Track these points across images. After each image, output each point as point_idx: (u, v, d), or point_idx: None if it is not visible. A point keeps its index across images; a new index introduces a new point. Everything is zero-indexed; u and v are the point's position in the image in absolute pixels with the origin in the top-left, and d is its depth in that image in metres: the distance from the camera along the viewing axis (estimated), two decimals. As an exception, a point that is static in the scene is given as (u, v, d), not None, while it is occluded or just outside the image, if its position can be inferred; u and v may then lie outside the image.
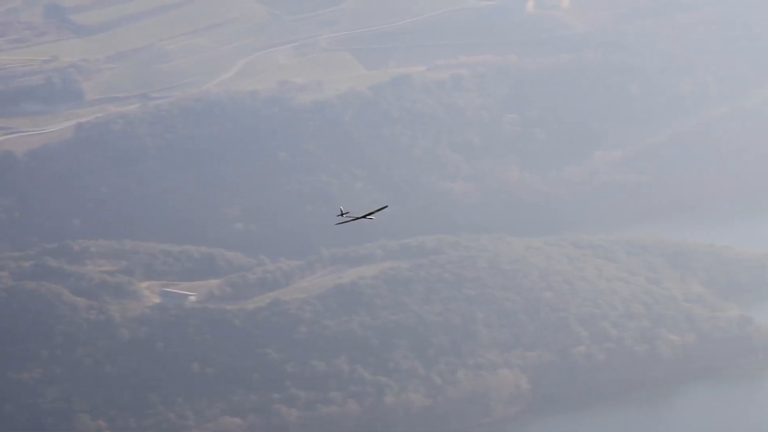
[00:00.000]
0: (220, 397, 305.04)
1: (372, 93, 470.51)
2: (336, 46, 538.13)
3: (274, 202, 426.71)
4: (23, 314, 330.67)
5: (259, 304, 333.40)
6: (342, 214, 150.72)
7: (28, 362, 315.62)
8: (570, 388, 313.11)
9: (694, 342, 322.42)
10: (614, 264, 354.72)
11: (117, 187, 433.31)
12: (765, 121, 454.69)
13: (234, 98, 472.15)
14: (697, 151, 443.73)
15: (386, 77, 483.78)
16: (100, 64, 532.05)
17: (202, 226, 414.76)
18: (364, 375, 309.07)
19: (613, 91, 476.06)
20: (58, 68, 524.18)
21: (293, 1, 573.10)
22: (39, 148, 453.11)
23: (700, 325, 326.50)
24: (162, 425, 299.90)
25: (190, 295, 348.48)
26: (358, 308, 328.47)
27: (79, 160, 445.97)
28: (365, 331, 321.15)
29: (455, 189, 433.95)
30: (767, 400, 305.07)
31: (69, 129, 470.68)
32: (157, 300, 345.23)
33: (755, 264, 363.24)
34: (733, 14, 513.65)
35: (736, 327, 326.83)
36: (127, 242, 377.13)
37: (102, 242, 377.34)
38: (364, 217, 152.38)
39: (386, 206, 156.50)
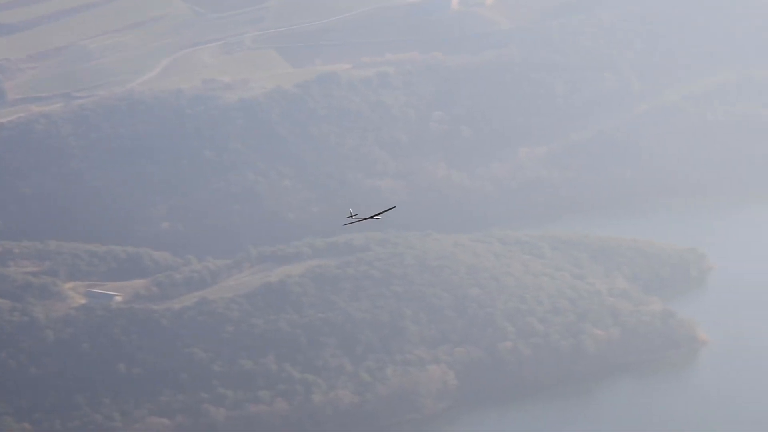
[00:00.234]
0: (147, 398, 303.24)
1: (299, 91, 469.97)
2: (262, 45, 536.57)
3: (201, 201, 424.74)
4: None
5: (185, 304, 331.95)
6: (351, 216, 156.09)
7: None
8: (497, 383, 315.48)
9: (618, 336, 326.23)
10: (540, 260, 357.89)
11: (40, 188, 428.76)
12: (686, 117, 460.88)
13: (159, 97, 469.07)
14: (620, 147, 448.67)
15: (313, 75, 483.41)
16: (21, 63, 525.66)
17: (127, 225, 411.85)
18: (293, 373, 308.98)
19: (538, 88, 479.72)
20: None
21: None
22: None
23: (624, 319, 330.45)
24: (88, 427, 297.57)
25: (116, 295, 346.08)
26: (286, 306, 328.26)
27: (1, 161, 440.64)
28: (293, 330, 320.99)
29: (383, 186, 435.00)
30: (690, 394, 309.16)
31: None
32: (82, 301, 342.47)
33: (677, 258, 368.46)
34: (654, 11, 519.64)
35: (660, 321, 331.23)
36: (51, 243, 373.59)
37: (25, 243, 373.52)
38: (371, 217, 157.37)
39: (394, 207, 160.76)
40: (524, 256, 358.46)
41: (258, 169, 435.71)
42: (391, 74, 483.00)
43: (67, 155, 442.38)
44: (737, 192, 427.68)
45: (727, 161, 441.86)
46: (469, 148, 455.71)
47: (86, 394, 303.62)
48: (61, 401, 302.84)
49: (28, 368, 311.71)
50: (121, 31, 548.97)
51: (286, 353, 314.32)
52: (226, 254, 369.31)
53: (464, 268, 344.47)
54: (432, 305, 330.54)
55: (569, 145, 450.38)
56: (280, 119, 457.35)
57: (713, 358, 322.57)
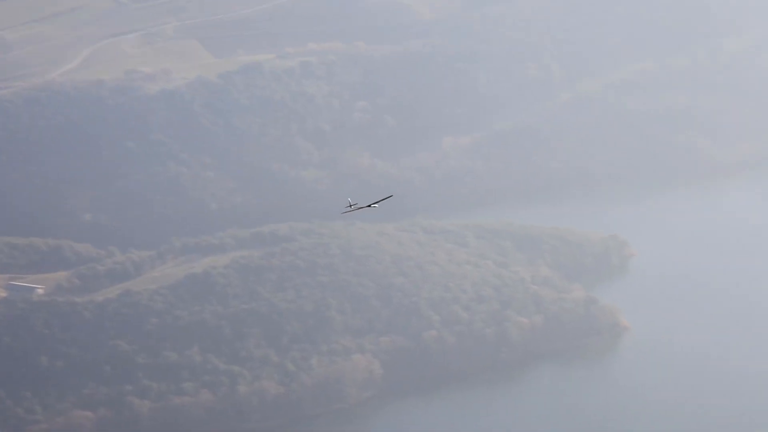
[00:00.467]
0: (70, 391, 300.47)
1: (221, 81, 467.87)
2: (183, 35, 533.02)
3: (124, 193, 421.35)
4: None
5: (108, 296, 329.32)
6: (350, 206, 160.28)
7: None
8: (422, 371, 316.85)
9: (541, 324, 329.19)
10: (464, 248, 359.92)
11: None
12: (607, 106, 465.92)
13: (79, 88, 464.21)
14: (543, 136, 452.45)
15: (235, 65, 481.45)
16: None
17: (49, 218, 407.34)
18: (217, 364, 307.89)
19: (461, 78, 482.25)
20: None
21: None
22: None
23: (548, 306, 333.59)
24: (9, 421, 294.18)
25: (38, 288, 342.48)
26: (210, 297, 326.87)
27: None
28: (218, 321, 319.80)
29: (307, 176, 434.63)
30: (612, 380, 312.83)
31: None
32: (3, 294, 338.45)
33: (598, 246, 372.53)
34: (575, 1, 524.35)
35: (582, 308, 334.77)
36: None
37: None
38: (369, 206, 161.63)
39: (391, 195, 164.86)
40: (448, 244, 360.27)
41: (181, 160, 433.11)
42: (314, 64, 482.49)
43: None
44: (657, 180, 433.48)
45: (647, 149, 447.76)
46: (394, 137, 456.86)
47: (7, 388, 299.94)
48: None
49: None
50: (40, 22, 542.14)
51: (211, 344, 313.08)
52: (150, 245, 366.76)
53: (389, 257, 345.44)
54: (357, 295, 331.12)
55: (492, 135, 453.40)
56: (202, 110, 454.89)
57: (634, 344, 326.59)
